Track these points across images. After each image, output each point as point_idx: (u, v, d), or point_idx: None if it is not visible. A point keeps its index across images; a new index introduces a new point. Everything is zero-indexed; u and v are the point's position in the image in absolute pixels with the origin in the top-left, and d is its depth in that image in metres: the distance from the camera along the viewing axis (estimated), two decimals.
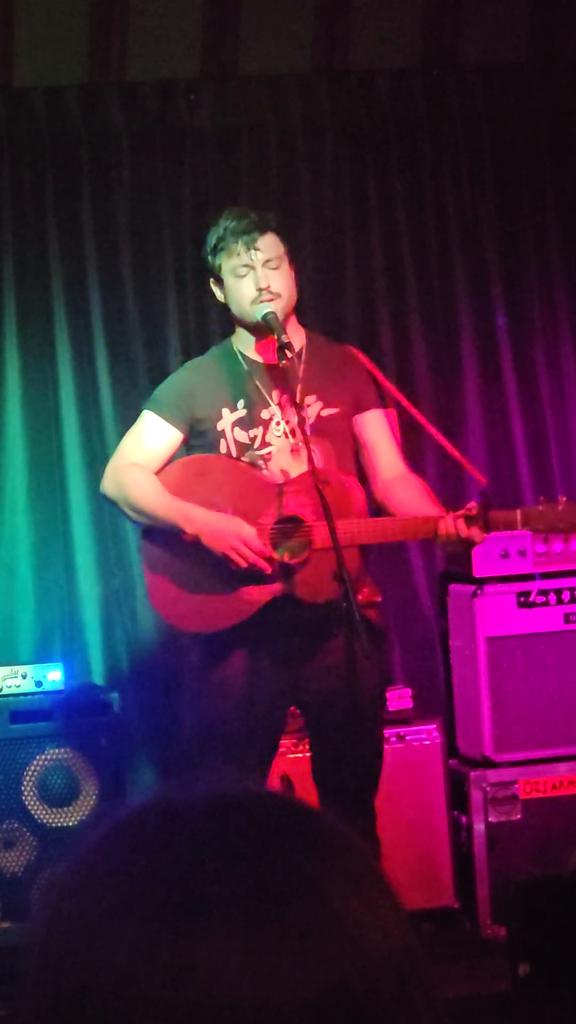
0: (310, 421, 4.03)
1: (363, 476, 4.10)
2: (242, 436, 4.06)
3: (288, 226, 4.38)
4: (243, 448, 4.06)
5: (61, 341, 5.44)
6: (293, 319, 4.13)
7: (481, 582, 5.03)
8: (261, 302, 4.02)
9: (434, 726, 5.05)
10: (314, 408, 4.07)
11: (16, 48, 5.42)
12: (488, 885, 4.91)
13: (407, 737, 5.00)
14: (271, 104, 5.62)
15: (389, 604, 4.26)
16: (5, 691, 4.90)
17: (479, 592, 5.02)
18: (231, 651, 4.00)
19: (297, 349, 4.08)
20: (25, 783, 4.81)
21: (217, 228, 4.10)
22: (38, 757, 4.83)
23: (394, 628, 5.28)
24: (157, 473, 4.07)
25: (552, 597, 5.04)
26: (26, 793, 4.81)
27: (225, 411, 4.08)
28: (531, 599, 5.02)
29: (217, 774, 0.95)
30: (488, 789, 4.98)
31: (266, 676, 3.99)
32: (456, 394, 5.67)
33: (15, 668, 4.96)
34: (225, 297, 4.12)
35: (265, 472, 4.04)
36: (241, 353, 4.15)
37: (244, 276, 4.04)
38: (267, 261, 4.04)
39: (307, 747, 4.39)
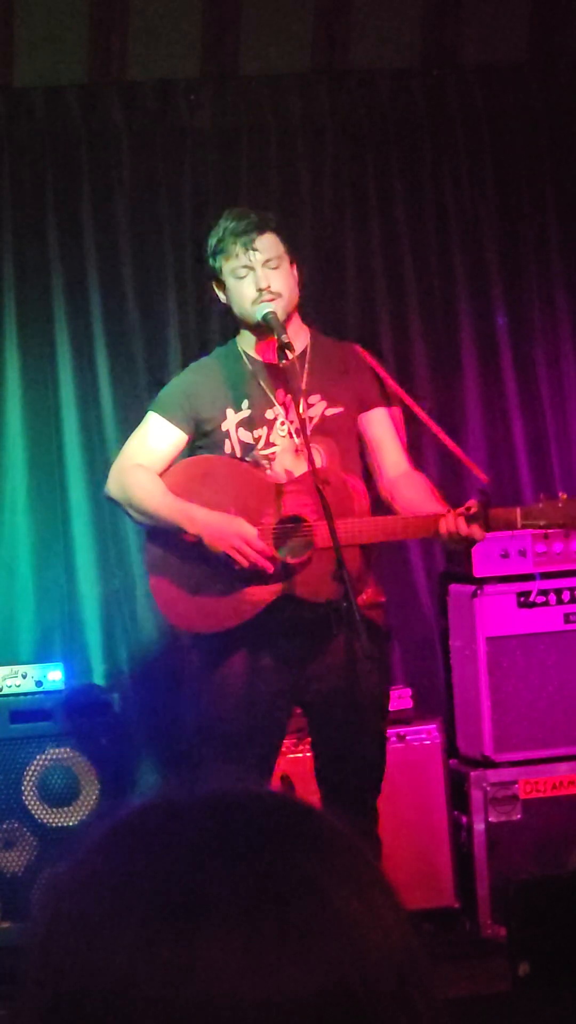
0: (315, 420, 4.02)
1: (368, 475, 4.10)
2: (246, 436, 4.06)
3: (288, 226, 4.37)
4: (247, 448, 4.05)
5: (61, 341, 5.44)
6: (296, 318, 4.13)
7: (481, 582, 5.03)
8: (261, 302, 4.01)
9: (434, 726, 5.05)
10: (319, 407, 4.06)
11: (16, 48, 5.42)
12: (488, 885, 4.91)
13: (407, 737, 5.00)
14: (271, 104, 5.61)
15: (389, 604, 4.25)
16: (5, 691, 4.90)
17: (479, 592, 5.02)
18: (232, 651, 3.99)
19: (301, 348, 4.08)
20: (25, 783, 4.81)
21: (216, 230, 4.10)
22: (38, 757, 4.83)
23: (394, 628, 5.27)
24: (161, 474, 4.07)
25: (552, 597, 5.03)
26: (26, 793, 4.81)
27: (229, 412, 4.08)
28: (531, 599, 5.02)
29: (218, 774, 0.95)
30: (488, 789, 4.98)
31: (267, 676, 3.98)
32: (456, 394, 5.67)
33: (15, 668, 4.97)
34: (227, 299, 4.12)
35: (269, 472, 4.03)
36: (245, 353, 4.14)
37: (244, 277, 4.04)
38: (266, 261, 4.03)
39: (307, 747, 4.39)
